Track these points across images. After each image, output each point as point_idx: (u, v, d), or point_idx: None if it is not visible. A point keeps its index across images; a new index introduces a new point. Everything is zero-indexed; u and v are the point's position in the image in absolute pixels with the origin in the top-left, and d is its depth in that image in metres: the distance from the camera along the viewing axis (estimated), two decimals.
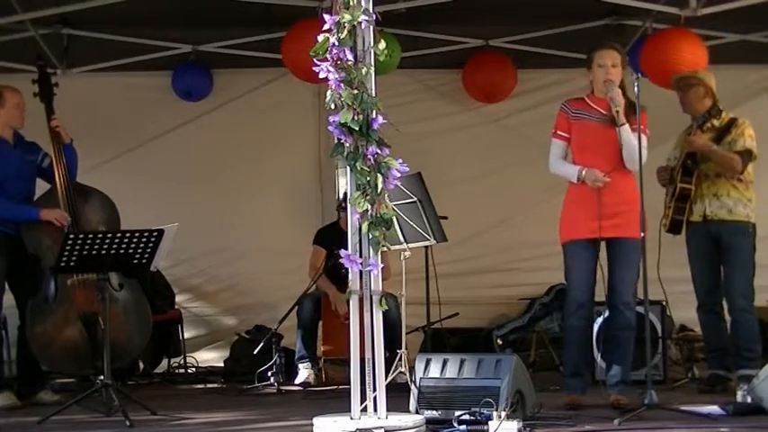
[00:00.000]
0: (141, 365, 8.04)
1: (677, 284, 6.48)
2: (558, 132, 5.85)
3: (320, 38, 4.60)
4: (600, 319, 6.37)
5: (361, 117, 4.53)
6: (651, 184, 6.01)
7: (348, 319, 4.77)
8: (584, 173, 5.67)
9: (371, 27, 4.63)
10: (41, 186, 6.64)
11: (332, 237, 7.29)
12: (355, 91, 4.54)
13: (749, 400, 5.31)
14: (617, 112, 5.61)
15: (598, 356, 6.45)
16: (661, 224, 6.34)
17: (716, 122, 6.38)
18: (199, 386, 7.66)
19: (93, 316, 6.04)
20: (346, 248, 4.65)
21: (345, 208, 5.08)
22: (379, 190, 4.55)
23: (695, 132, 6.35)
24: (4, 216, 6.32)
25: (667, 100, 6.64)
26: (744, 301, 6.25)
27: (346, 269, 4.68)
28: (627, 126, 5.61)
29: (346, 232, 4.72)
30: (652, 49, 7.53)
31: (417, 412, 5.01)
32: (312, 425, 4.63)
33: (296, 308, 7.36)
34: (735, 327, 6.33)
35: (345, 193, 5.52)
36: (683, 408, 5.28)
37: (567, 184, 5.82)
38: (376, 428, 4.46)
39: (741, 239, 6.28)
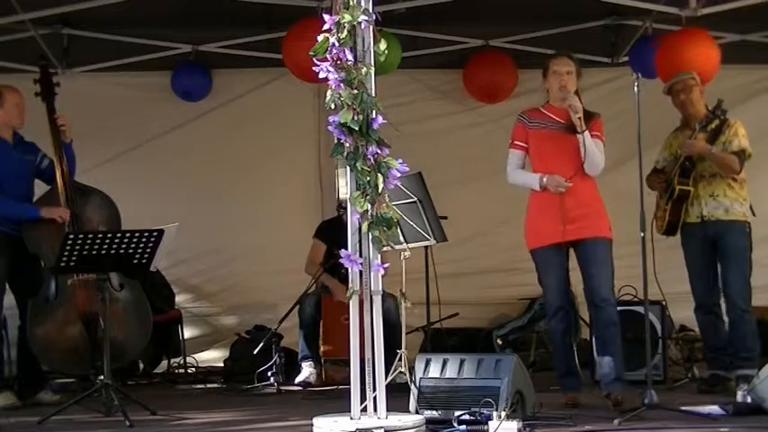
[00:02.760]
0: (141, 365, 8.03)
1: (677, 284, 6.47)
2: (516, 142, 5.89)
3: (320, 38, 4.60)
4: None
5: (361, 117, 4.53)
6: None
7: (349, 317, 4.77)
8: (545, 179, 5.71)
9: (371, 27, 4.63)
10: (41, 187, 6.63)
11: (334, 231, 7.24)
12: (355, 91, 4.54)
13: (749, 400, 5.31)
14: (579, 118, 5.63)
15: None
16: (653, 225, 6.32)
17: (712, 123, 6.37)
18: (199, 386, 7.65)
19: (93, 316, 6.04)
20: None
21: (345, 208, 5.07)
22: (379, 190, 4.55)
23: (695, 135, 6.33)
24: (4, 213, 6.31)
25: (666, 101, 6.62)
26: (742, 301, 6.24)
27: (346, 268, 4.68)
28: (588, 133, 5.63)
29: None
30: (667, 49, 7.40)
31: (417, 412, 5.01)
32: (312, 425, 4.63)
33: (296, 308, 7.36)
34: (733, 326, 6.32)
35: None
36: (683, 408, 5.28)
37: None
38: (376, 428, 4.46)
39: (738, 238, 6.27)
